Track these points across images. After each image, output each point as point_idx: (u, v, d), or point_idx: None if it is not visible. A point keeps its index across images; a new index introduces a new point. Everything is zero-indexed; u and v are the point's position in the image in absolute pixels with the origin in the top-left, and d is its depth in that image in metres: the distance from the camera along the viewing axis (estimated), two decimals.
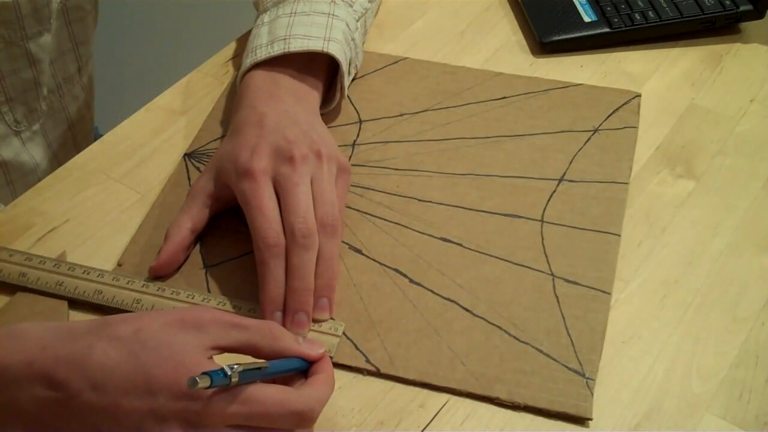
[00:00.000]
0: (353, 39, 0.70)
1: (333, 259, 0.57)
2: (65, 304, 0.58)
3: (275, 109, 0.63)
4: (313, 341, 0.52)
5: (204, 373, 0.44)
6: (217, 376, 0.44)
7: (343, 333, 0.57)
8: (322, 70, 0.69)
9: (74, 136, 0.85)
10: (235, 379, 0.45)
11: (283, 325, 0.55)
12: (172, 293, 0.58)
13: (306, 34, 0.67)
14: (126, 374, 0.45)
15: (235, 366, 0.45)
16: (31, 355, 0.46)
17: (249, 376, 0.46)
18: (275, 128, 0.61)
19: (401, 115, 0.72)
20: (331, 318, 0.57)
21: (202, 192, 0.62)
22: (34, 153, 0.79)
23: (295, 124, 0.62)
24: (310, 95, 0.67)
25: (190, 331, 0.47)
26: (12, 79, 0.73)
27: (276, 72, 0.67)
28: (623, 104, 0.72)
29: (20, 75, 0.74)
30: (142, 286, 0.59)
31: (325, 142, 0.61)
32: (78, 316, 0.58)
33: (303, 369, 0.51)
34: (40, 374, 0.46)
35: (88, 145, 0.71)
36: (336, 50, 0.67)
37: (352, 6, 0.71)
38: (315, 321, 0.57)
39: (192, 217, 0.61)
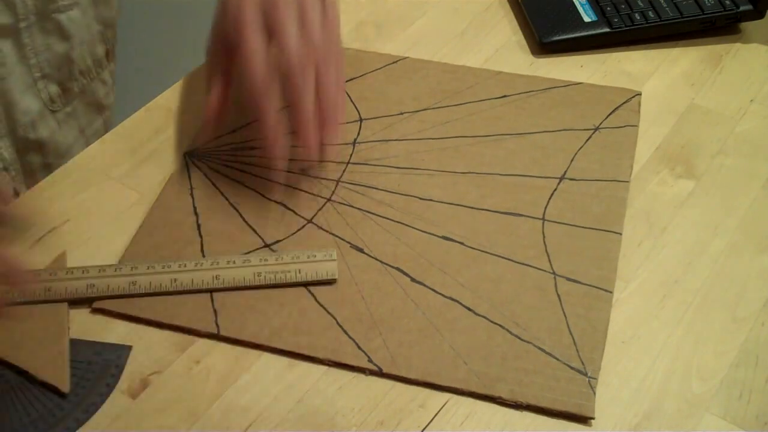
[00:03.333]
0: None
1: (330, 85, 0.60)
2: (65, 304, 0.58)
3: None
4: None
5: None
6: None
7: (345, 332, 0.57)
8: None
9: (105, 123, 0.87)
10: None
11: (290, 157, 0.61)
12: (163, 267, 0.59)
13: None
14: None
15: None
16: None
17: None
18: None
19: (401, 113, 0.72)
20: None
21: (215, 64, 0.64)
22: (68, 136, 0.81)
23: None
24: None
25: None
26: (46, 54, 0.75)
27: None
28: (623, 102, 0.72)
29: (53, 49, 0.75)
30: (132, 269, 0.59)
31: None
32: (79, 315, 0.58)
33: None
34: None
35: None
36: None
37: None
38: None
39: (221, 75, 0.63)
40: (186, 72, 0.77)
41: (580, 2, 0.81)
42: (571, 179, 0.66)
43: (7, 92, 0.73)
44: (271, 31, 0.60)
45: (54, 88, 0.77)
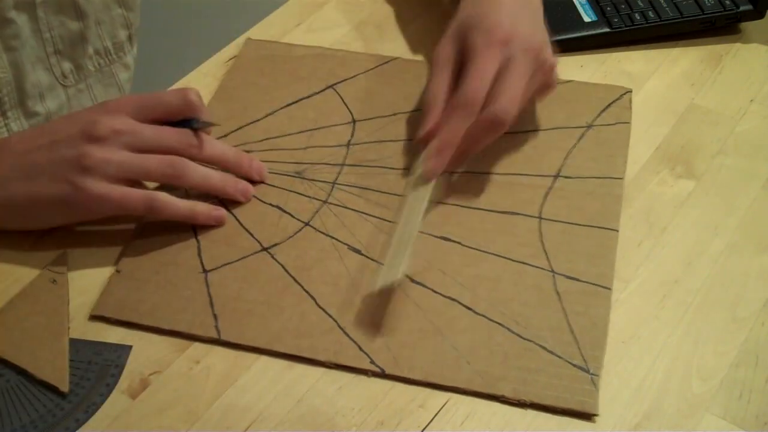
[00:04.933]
0: None
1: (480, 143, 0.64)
2: (66, 303, 0.58)
3: None
4: None
5: None
6: None
7: (346, 334, 0.57)
8: None
9: None
10: None
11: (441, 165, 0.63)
12: None
13: None
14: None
15: None
16: None
17: None
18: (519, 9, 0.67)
19: (395, 114, 0.71)
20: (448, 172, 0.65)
21: (447, 59, 0.66)
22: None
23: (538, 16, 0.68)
24: None
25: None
26: (59, 30, 0.76)
27: None
28: (615, 100, 0.72)
29: (67, 26, 0.76)
30: None
31: (536, 37, 0.65)
32: (79, 314, 0.58)
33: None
34: None
35: None
36: None
37: None
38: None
39: (446, 81, 0.65)
40: (186, 72, 0.76)
41: (580, 2, 0.81)
42: (566, 177, 0.66)
43: (20, 64, 0.74)
44: (470, 67, 0.63)
45: (67, 65, 0.78)
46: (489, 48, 0.64)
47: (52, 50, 0.76)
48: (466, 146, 0.63)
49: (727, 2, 0.78)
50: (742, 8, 0.78)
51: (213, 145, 0.63)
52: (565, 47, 0.78)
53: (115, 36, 0.82)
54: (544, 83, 0.67)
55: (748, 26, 0.80)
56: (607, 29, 0.78)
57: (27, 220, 0.61)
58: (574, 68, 0.76)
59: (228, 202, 0.64)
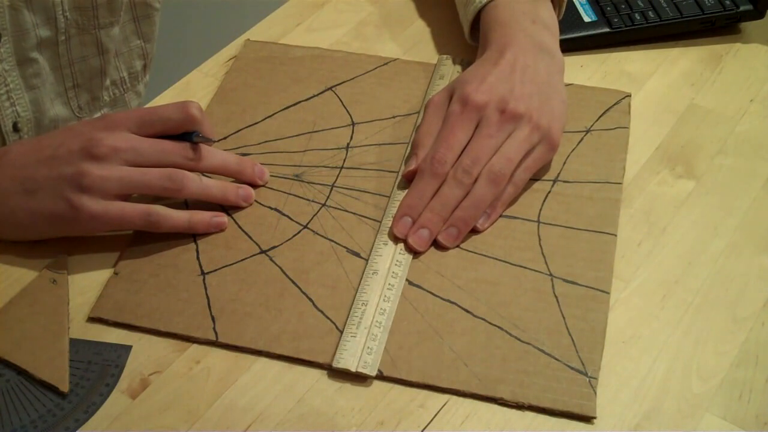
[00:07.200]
0: None
1: (481, 202, 0.62)
2: (66, 303, 0.58)
3: (521, 57, 0.66)
4: None
5: None
6: None
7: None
8: None
9: None
10: None
11: (407, 232, 0.62)
12: None
13: None
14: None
15: None
16: None
17: None
18: (509, 75, 0.65)
19: (394, 117, 0.71)
20: (457, 246, 0.62)
21: (439, 106, 0.66)
22: None
23: (531, 82, 0.65)
24: (551, 17, 0.71)
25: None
26: (80, 65, 0.76)
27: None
28: (614, 104, 0.72)
29: (88, 62, 0.77)
30: None
31: (543, 111, 0.64)
32: (79, 314, 0.58)
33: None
34: None
35: None
36: None
37: None
38: (440, 246, 0.61)
39: (435, 125, 0.65)
40: (186, 72, 0.77)
41: (580, 2, 0.81)
42: (565, 181, 0.66)
43: (40, 102, 0.74)
44: (477, 131, 0.63)
45: (84, 98, 0.79)
46: (461, 114, 0.63)
47: (71, 85, 0.76)
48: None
49: (727, 2, 0.78)
50: (742, 8, 0.78)
51: (213, 155, 0.63)
52: (565, 47, 0.78)
53: (131, 67, 0.82)
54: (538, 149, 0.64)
55: (748, 26, 0.80)
56: (607, 29, 0.78)
57: (25, 232, 0.61)
58: (574, 68, 0.76)
59: (228, 206, 0.64)
